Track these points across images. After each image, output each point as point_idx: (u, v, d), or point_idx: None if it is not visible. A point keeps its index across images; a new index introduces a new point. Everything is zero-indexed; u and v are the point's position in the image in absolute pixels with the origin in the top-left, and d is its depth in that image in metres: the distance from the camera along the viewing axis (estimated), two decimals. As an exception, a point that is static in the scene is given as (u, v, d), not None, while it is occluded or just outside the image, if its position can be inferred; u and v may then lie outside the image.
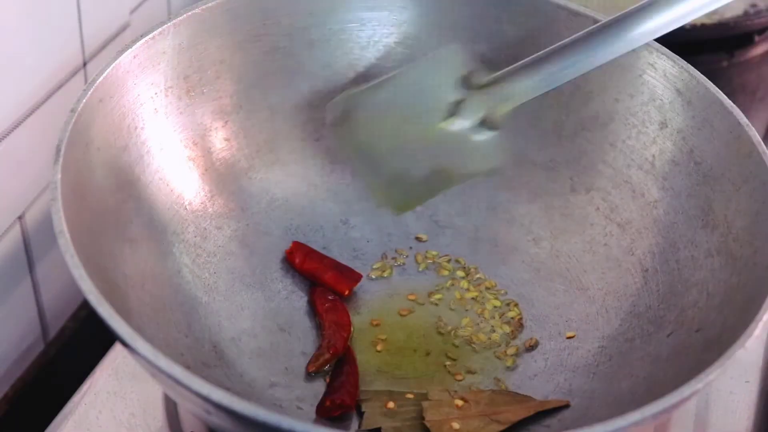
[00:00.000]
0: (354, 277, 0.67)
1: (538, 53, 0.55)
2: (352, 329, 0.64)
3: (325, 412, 0.59)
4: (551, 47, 0.55)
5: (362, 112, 0.58)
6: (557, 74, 0.55)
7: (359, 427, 0.59)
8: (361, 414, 0.60)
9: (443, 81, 0.56)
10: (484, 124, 0.56)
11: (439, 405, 0.60)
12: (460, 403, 0.60)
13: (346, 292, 0.66)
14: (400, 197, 0.59)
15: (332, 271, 0.67)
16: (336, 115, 0.58)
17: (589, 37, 0.55)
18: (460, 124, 0.56)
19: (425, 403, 0.60)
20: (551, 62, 0.54)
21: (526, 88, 0.55)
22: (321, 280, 0.67)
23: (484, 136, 0.56)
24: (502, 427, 0.59)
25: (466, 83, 0.56)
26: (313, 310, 0.65)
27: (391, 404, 0.60)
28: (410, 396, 0.61)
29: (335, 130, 0.58)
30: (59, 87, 0.68)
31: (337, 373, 0.62)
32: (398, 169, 0.58)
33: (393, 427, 0.59)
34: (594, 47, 0.55)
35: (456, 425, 0.58)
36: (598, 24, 0.56)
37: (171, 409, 0.62)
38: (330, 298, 0.66)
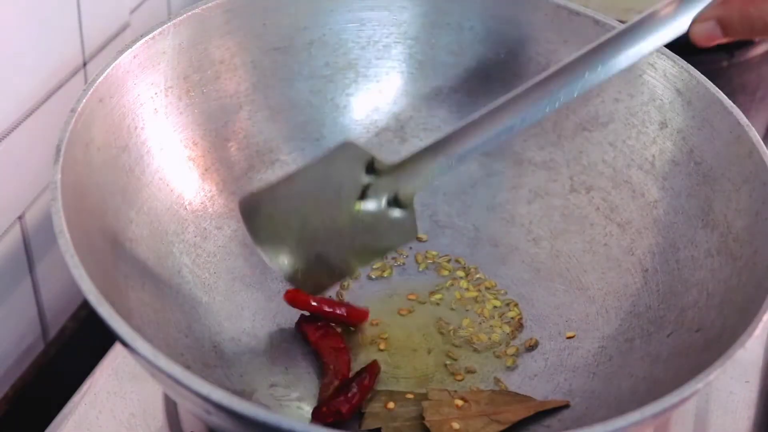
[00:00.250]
0: (361, 315, 0.65)
1: (442, 136, 0.56)
2: (350, 352, 0.63)
3: (319, 417, 0.59)
4: (454, 128, 0.55)
5: (273, 205, 0.60)
6: (458, 154, 0.55)
7: (359, 427, 0.59)
8: (361, 414, 0.60)
9: (348, 170, 0.58)
10: (395, 203, 0.58)
11: (439, 405, 0.60)
12: (460, 403, 0.60)
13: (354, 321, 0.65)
14: (316, 280, 0.60)
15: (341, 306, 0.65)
16: (247, 209, 0.60)
17: (486, 118, 0.55)
18: (370, 206, 0.57)
19: (425, 403, 0.60)
20: (453, 143, 0.55)
21: (429, 170, 0.56)
22: (333, 314, 0.65)
23: (396, 213, 0.58)
24: (502, 427, 0.59)
25: (371, 170, 0.58)
26: (305, 340, 0.64)
27: (391, 404, 0.60)
28: (410, 396, 0.61)
29: (247, 224, 0.60)
30: (59, 87, 0.68)
31: (348, 382, 0.61)
32: (314, 255, 0.60)
33: (393, 427, 0.59)
34: (489, 127, 0.54)
35: (456, 425, 0.58)
36: (491, 107, 0.55)
37: (171, 409, 0.62)
38: (319, 324, 0.64)
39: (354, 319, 0.64)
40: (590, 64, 0.53)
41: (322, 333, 0.64)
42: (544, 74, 0.54)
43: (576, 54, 0.54)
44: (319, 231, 0.59)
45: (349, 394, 0.59)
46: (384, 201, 0.57)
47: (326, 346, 0.63)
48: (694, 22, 0.51)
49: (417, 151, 0.56)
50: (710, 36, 0.51)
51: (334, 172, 0.58)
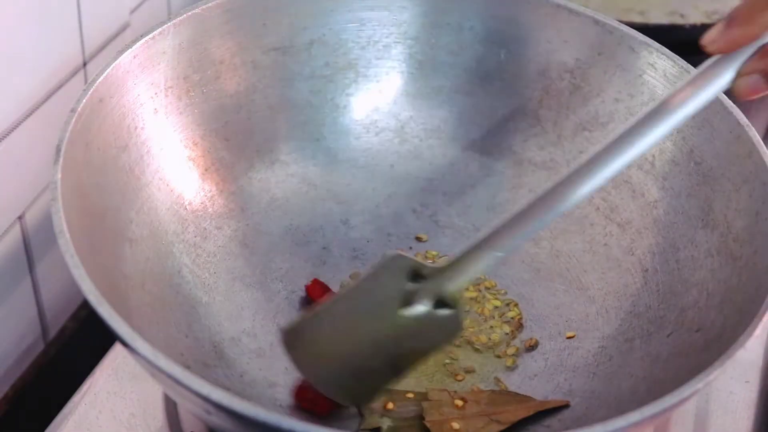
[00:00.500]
0: None
1: (489, 231, 0.55)
2: None
3: (297, 397, 0.60)
4: (501, 222, 0.54)
5: (316, 331, 0.59)
6: (506, 247, 0.55)
7: (359, 427, 0.59)
8: (361, 414, 0.60)
9: (391, 282, 0.57)
10: (442, 304, 0.57)
11: (439, 405, 0.60)
12: (460, 403, 0.60)
13: None
14: (366, 391, 0.60)
15: None
16: (290, 340, 0.59)
17: (532, 208, 0.54)
18: (415, 311, 0.57)
19: (425, 404, 0.60)
20: (500, 237, 0.54)
21: (476, 268, 0.55)
22: None
23: (442, 313, 0.57)
24: (502, 427, 0.59)
25: (415, 277, 0.57)
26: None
27: (390, 404, 0.60)
28: (410, 396, 0.61)
29: (291, 354, 0.59)
30: (59, 87, 0.68)
31: None
32: (362, 370, 0.59)
33: (392, 427, 0.59)
34: (536, 215, 0.54)
35: (456, 425, 0.58)
36: (534, 197, 0.54)
37: (171, 409, 0.62)
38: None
39: None
40: (639, 134, 0.52)
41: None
42: (597, 149, 0.53)
43: (622, 128, 0.52)
44: (364, 346, 0.59)
45: None
46: (430, 304, 0.56)
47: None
48: (737, 76, 0.51)
49: (464, 251, 0.55)
50: (755, 89, 0.51)
51: (377, 287, 0.58)
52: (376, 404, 0.60)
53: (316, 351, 0.59)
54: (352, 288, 0.59)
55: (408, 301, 0.57)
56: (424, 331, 0.57)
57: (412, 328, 0.57)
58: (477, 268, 0.55)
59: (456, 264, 0.55)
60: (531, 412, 0.60)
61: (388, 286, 0.57)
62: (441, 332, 0.58)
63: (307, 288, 0.66)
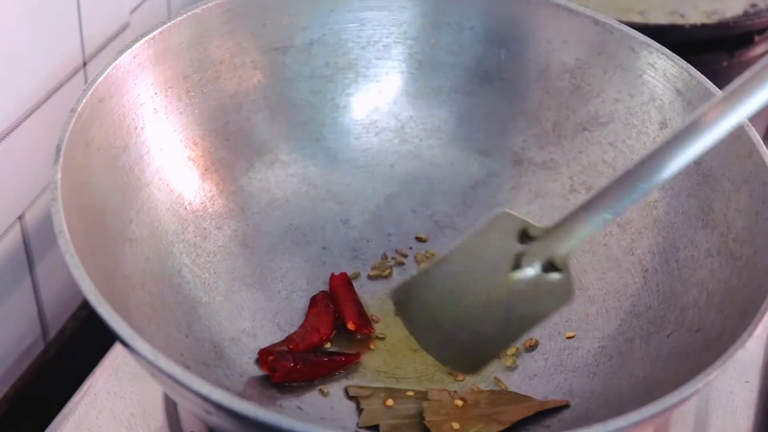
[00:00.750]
0: (367, 327, 0.65)
1: (596, 193, 0.54)
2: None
3: (260, 358, 0.61)
4: (608, 183, 0.53)
5: (426, 291, 0.59)
6: (614, 209, 0.54)
7: (357, 424, 0.59)
8: (359, 410, 0.60)
9: (500, 242, 0.57)
10: (550, 267, 0.56)
11: (439, 405, 0.60)
12: (459, 403, 0.60)
13: (351, 326, 0.65)
14: (473, 359, 0.60)
15: (355, 305, 0.66)
16: (400, 300, 0.60)
17: (638, 169, 0.53)
18: (525, 274, 0.56)
19: (425, 403, 0.60)
20: (607, 198, 0.54)
21: (585, 229, 0.55)
22: (341, 305, 0.65)
23: (552, 278, 0.56)
24: (502, 427, 0.59)
25: (523, 238, 0.56)
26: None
27: (390, 401, 0.60)
28: (410, 393, 0.61)
29: (401, 315, 0.60)
30: (59, 87, 0.68)
31: (316, 349, 0.63)
32: (471, 333, 0.59)
33: (391, 424, 0.59)
34: (643, 176, 0.53)
35: (456, 425, 0.58)
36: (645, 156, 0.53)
37: (171, 409, 0.62)
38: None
39: (348, 362, 0.63)
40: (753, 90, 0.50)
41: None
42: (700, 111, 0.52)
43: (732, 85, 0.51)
44: (474, 308, 0.58)
45: (298, 364, 0.60)
46: (539, 267, 0.56)
47: (318, 310, 0.65)
48: None
49: (572, 212, 0.55)
50: None
51: (486, 247, 0.57)
52: (375, 401, 0.60)
53: (426, 313, 0.59)
54: (460, 247, 0.58)
55: (517, 263, 0.56)
56: (534, 296, 0.57)
57: (522, 291, 0.56)
58: (586, 231, 0.54)
59: (565, 225, 0.55)
60: (531, 413, 0.60)
61: (496, 246, 0.57)
62: (552, 297, 0.57)
63: (332, 278, 0.67)
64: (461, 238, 0.59)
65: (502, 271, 0.56)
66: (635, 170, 0.52)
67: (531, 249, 0.56)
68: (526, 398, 0.61)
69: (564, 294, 0.57)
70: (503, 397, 0.61)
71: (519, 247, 0.56)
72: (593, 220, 0.54)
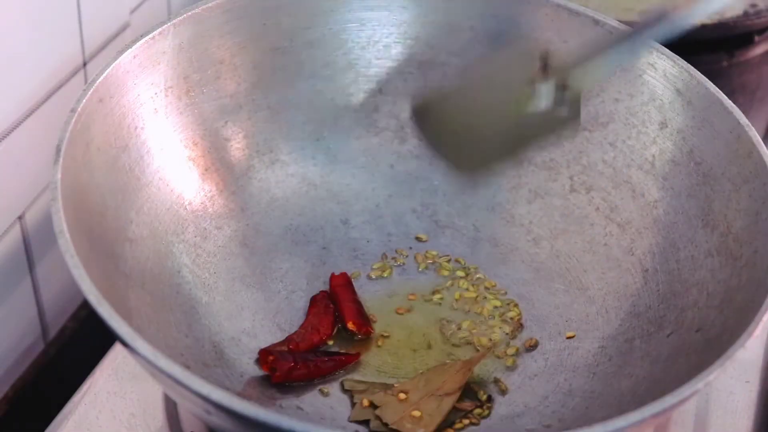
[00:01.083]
0: (366, 326, 0.65)
1: (616, 35, 0.56)
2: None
3: (261, 360, 0.61)
4: (625, 28, 0.55)
5: (444, 105, 0.63)
6: (631, 48, 0.55)
7: (348, 418, 0.60)
8: (353, 405, 0.60)
9: (519, 66, 0.59)
10: (564, 101, 0.58)
11: (388, 405, 0.60)
12: (403, 396, 0.60)
13: (351, 325, 0.65)
14: (480, 163, 0.63)
15: (355, 305, 0.66)
16: (419, 113, 0.63)
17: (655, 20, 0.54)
18: (540, 105, 0.58)
19: (378, 411, 0.60)
20: (625, 37, 0.55)
21: (602, 64, 0.56)
22: (341, 304, 0.66)
23: (563, 111, 0.59)
24: (453, 398, 0.60)
25: (542, 69, 0.59)
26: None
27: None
28: (402, 397, 0.61)
29: (420, 127, 0.64)
30: (59, 87, 0.68)
31: (316, 350, 0.63)
32: (481, 142, 0.62)
33: (381, 422, 0.59)
34: (658, 27, 0.54)
35: (416, 413, 0.59)
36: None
37: (171, 409, 0.62)
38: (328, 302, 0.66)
39: (348, 362, 0.63)
40: None
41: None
42: None
43: None
44: (487, 122, 0.61)
45: (298, 364, 0.61)
46: (553, 98, 0.58)
47: (318, 310, 0.65)
48: None
49: (589, 48, 0.57)
50: None
51: (504, 70, 0.60)
52: (365, 399, 0.60)
53: (442, 123, 0.62)
54: (479, 66, 0.61)
55: (532, 90, 0.58)
56: (544, 121, 0.59)
57: (533, 116, 0.59)
58: (602, 68, 0.56)
59: (581, 58, 0.56)
60: (467, 376, 0.61)
61: (515, 69, 0.59)
62: (560, 126, 0.59)
63: (332, 278, 0.67)
64: (483, 59, 0.62)
65: (518, 93, 0.59)
66: (657, 16, 0.53)
67: (548, 82, 0.58)
68: (453, 364, 0.62)
69: (572, 126, 0.59)
70: (434, 373, 0.62)
71: (536, 75, 0.58)
72: (611, 57, 0.56)
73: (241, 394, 0.59)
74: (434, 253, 0.70)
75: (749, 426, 0.64)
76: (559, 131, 0.60)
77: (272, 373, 0.60)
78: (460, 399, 0.61)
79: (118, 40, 0.73)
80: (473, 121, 0.61)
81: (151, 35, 0.62)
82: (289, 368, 0.60)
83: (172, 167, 0.64)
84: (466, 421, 0.60)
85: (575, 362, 0.63)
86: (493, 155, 0.61)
